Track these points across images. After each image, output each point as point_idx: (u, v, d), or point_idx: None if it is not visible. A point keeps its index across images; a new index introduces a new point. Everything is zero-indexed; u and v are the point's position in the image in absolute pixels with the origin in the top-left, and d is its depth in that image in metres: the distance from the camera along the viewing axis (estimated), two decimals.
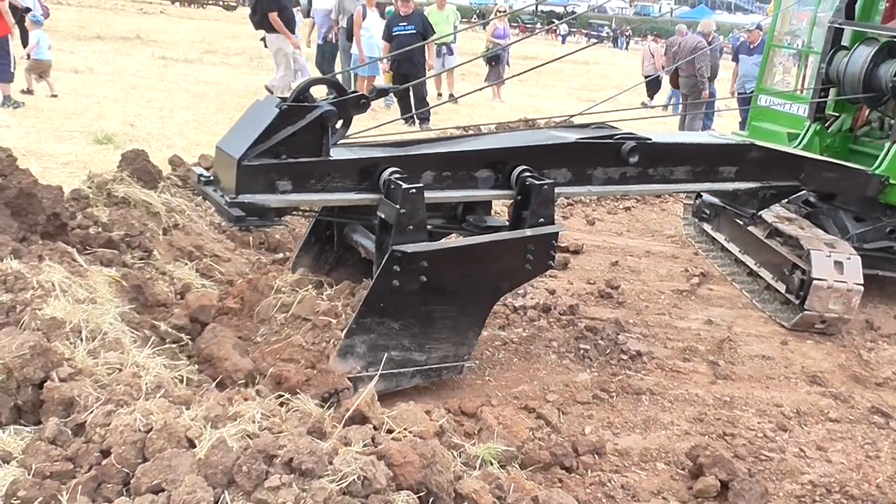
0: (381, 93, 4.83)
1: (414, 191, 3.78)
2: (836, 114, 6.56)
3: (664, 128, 11.93)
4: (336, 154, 3.91)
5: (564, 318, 5.41)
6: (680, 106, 13.60)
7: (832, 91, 6.50)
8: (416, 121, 13.06)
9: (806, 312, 5.49)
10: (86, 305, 3.12)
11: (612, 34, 62.24)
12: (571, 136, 4.61)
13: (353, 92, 4.14)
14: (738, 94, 13.29)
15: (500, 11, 17.02)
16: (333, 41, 14.61)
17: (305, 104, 3.84)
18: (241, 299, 4.31)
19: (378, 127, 4.87)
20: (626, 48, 52.38)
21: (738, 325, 5.76)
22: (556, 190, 4.37)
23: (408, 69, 12.65)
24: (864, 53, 6.10)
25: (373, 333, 3.78)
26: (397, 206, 3.76)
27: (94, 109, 10.31)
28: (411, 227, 3.80)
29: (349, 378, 3.69)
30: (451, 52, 14.87)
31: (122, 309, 3.42)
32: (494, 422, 3.83)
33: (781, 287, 5.88)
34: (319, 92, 4.09)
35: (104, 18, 26.84)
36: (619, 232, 7.88)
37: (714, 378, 4.87)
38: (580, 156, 4.55)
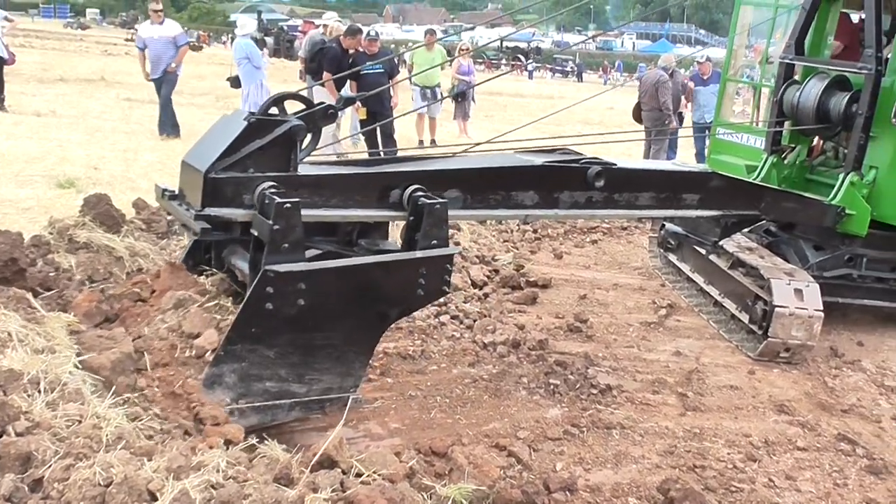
0: (348, 102, 4.71)
1: (289, 206, 3.49)
2: (792, 145, 6.68)
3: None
4: (304, 171, 3.83)
5: (534, 354, 5.42)
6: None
7: (787, 123, 6.64)
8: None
9: (770, 340, 5.55)
10: (44, 355, 3.07)
11: (575, 69, 63.15)
12: (538, 161, 4.61)
13: (321, 104, 4.05)
14: (696, 123, 13.54)
15: (463, 49, 17.18)
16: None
17: (274, 118, 3.78)
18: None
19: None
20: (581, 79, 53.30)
21: (705, 355, 5.80)
22: (525, 213, 4.35)
23: (375, 107, 12.73)
24: (815, 87, 6.24)
25: (244, 362, 3.44)
26: (270, 222, 3.48)
27: (56, 153, 10.22)
28: (286, 245, 3.48)
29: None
30: (435, 97, 14.77)
31: (83, 357, 3.36)
32: (465, 461, 3.81)
33: (745, 317, 5.95)
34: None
35: (68, 61, 26.77)
36: (586, 265, 7.93)
37: (683, 410, 4.89)
38: (547, 179, 4.53)
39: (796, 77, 6.60)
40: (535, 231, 8.78)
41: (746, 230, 7.40)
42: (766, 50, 7.44)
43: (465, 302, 6.20)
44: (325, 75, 12.72)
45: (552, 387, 4.94)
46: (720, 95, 7.55)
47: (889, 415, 5.07)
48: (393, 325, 5.52)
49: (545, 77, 62.28)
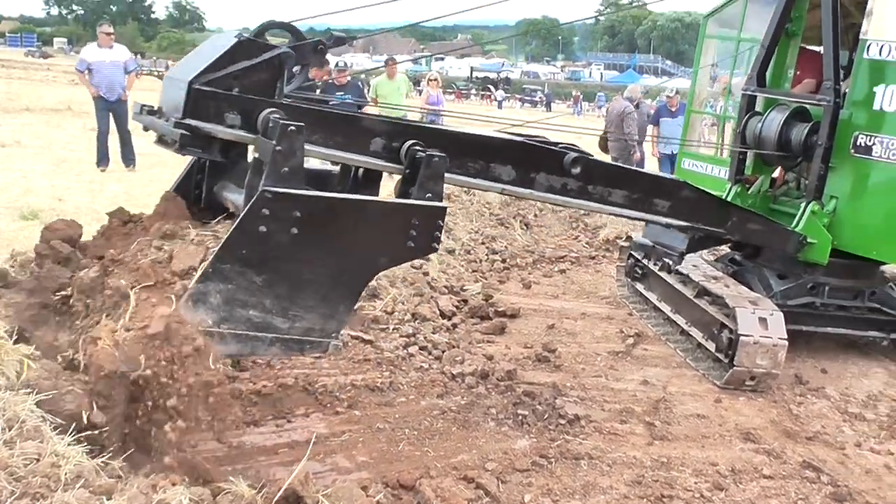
0: (339, 41, 4.63)
1: (293, 129, 3.43)
2: (756, 175, 6.81)
3: None
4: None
5: (502, 384, 5.42)
6: None
7: (749, 154, 6.77)
8: None
9: (735, 369, 5.60)
10: (2, 392, 3.01)
11: (544, 98, 63.86)
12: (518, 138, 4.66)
13: (314, 38, 4.01)
14: (662, 154, 13.73)
15: (431, 80, 17.31)
16: None
17: (265, 42, 3.73)
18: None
19: None
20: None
21: (672, 384, 5.84)
22: (501, 186, 4.30)
23: None
24: (776, 118, 6.38)
25: (231, 284, 3.33)
26: (273, 143, 3.42)
27: (20, 184, 10.10)
28: (287, 169, 3.42)
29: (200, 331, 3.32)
30: None
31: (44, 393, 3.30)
32: (433, 494, 3.79)
33: (712, 346, 6.01)
34: None
35: (34, 90, 26.56)
36: (554, 294, 7.97)
37: (651, 439, 4.90)
38: (525, 157, 4.50)
39: (758, 109, 6.73)
40: (503, 261, 8.82)
41: (713, 259, 7.55)
42: (729, 82, 7.60)
43: (433, 332, 6.20)
44: None
45: (520, 417, 4.94)
46: (685, 126, 7.69)
47: (853, 441, 5.13)
48: (360, 357, 5.56)
49: (514, 106, 62.93)
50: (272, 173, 3.40)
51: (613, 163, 5.45)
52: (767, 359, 5.61)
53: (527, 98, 64.68)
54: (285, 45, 3.82)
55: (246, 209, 3.35)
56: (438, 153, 3.89)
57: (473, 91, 78.63)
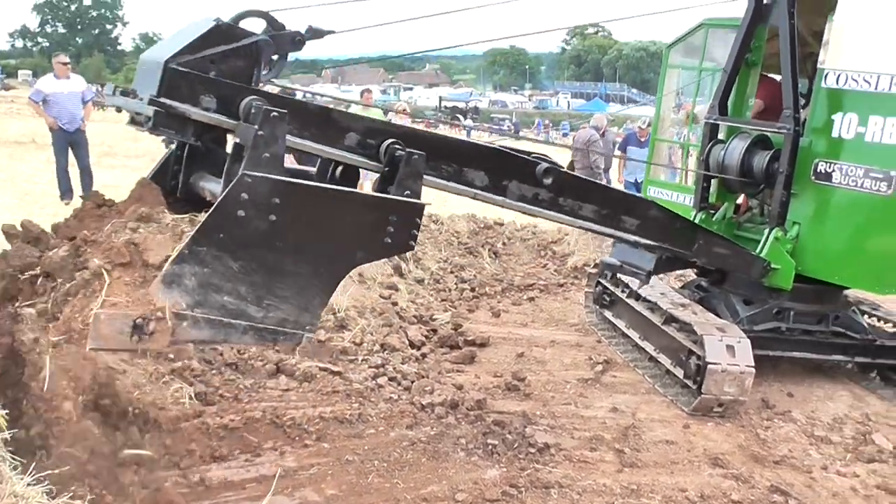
0: (317, 34, 4.59)
1: (276, 115, 3.45)
2: (720, 203, 6.90)
3: None
4: None
5: (472, 414, 5.40)
6: None
7: (714, 182, 6.87)
8: None
9: (703, 396, 5.64)
10: None
11: (513, 127, 64.34)
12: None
13: (293, 32, 4.01)
14: (627, 182, 13.88)
15: (400, 111, 17.38)
16: None
17: (242, 29, 3.73)
18: None
19: None
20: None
21: (641, 410, 5.86)
22: (474, 192, 4.31)
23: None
24: (738, 146, 6.50)
25: (206, 268, 3.30)
26: (255, 128, 3.42)
27: None
28: (268, 155, 3.43)
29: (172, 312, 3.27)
30: None
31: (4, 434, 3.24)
32: None
33: (680, 372, 6.05)
34: None
35: None
36: (524, 323, 7.99)
37: (620, 466, 4.91)
38: (498, 164, 4.52)
39: (721, 136, 6.85)
40: (473, 290, 8.83)
41: (680, 286, 7.63)
42: (692, 110, 7.73)
43: (402, 363, 6.18)
44: None
45: (490, 447, 4.93)
46: (650, 154, 7.79)
47: (819, 465, 5.18)
48: (329, 389, 5.52)
49: (483, 136, 63.25)
50: (252, 158, 3.41)
51: (584, 177, 5.49)
52: (735, 386, 5.65)
53: (495, 127, 65.13)
54: (263, 34, 3.81)
55: (225, 192, 3.34)
56: (418, 152, 3.91)
57: (443, 119, 79.02)
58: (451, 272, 9.29)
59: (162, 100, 3.45)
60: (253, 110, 3.50)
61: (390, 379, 5.83)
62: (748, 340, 5.79)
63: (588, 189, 5.13)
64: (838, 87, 6.14)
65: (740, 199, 7.30)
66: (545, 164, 4.63)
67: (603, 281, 7.78)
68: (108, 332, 3.08)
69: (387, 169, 3.92)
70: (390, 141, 3.96)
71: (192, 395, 5.08)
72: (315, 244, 3.55)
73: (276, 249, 3.44)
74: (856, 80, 6.06)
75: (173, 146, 4.15)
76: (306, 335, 3.64)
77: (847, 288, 6.78)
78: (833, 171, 6.14)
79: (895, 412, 6.26)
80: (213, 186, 3.87)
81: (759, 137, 6.52)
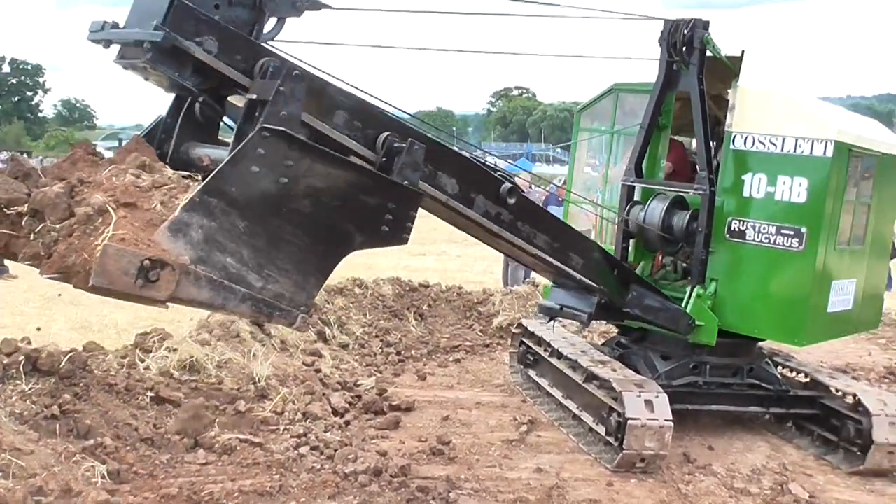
0: (314, 4, 4.55)
1: (298, 73, 3.51)
2: (637, 261, 7.07)
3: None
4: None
5: (396, 481, 5.34)
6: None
7: (631, 241, 7.04)
8: None
9: (625, 452, 5.70)
10: None
11: None
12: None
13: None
14: None
15: None
16: None
17: None
18: None
19: None
20: None
21: (566, 470, 5.88)
22: (445, 198, 4.31)
23: None
24: (658, 207, 6.69)
25: (214, 221, 3.21)
26: (277, 83, 3.43)
27: None
28: (285, 113, 3.45)
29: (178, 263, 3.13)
30: None
31: None
32: None
33: (602, 429, 6.10)
34: None
35: None
36: (449, 385, 7.97)
37: None
38: (468, 174, 4.54)
39: (636, 198, 7.03)
40: (398, 353, 8.80)
41: (601, 343, 7.74)
42: (606, 172, 7.94)
43: (325, 431, 6.09)
44: None
45: None
46: (565, 216, 7.94)
47: None
48: (249, 461, 5.40)
49: None
50: (272, 113, 3.40)
51: (543, 207, 5.59)
52: (655, 441, 5.73)
53: None
54: None
55: (242, 145, 3.28)
56: (419, 143, 3.96)
57: None
58: (377, 336, 9.25)
59: (165, 31, 3.35)
60: (272, 68, 3.53)
61: (312, 448, 5.74)
62: (666, 395, 5.89)
63: (545, 219, 5.29)
64: (746, 149, 6.43)
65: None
66: (509, 185, 4.72)
67: (526, 340, 7.85)
68: (114, 270, 2.89)
69: (384, 159, 3.95)
70: (388, 133, 3.98)
71: (105, 474, 4.91)
72: (320, 217, 3.52)
73: (281, 215, 3.39)
74: (762, 143, 6.37)
75: (162, 114, 4.04)
76: (301, 315, 3.56)
77: (761, 340, 7.00)
78: (746, 228, 6.40)
79: (811, 461, 6.42)
80: (211, 152, 3.82)
81: (676, 198, 6.74)
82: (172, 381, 6.29)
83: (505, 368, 8.42)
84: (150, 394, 6.05)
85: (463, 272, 15.99)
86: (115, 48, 3.66)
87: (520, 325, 8.15)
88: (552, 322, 6.69)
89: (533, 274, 13.80)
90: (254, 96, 3.58)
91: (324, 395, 6.84)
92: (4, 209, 3.38)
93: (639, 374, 6.43)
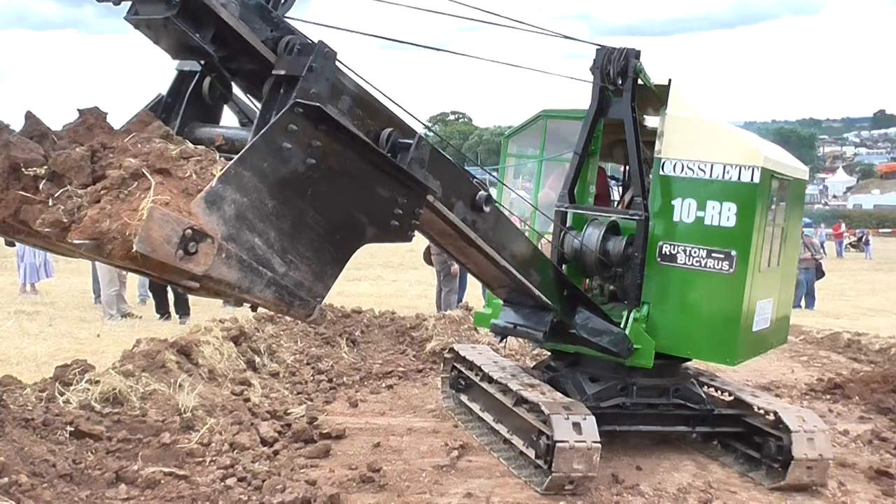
0: None
1: (329, 51, 3.46)
2: None
3: None
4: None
5: None
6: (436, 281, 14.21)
7: (564, 266, 7.11)
8: (176, 315, 12.81)
9: (554, 475, 5.73)
10: None
11: None
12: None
13: None
14: None
15: None
16: None
17: None
18: None
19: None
20: None
21: (496, 494, 5.89)
22: (432, 198, 4.26)
23: None
24: (595, 233, 6.76)
25: (246, 197, 3.12)
26: (309, 59, 3.39)
27: None
28: (315, 91, 3.41)
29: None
30: None
31: None
32: None
33: (532, 452, 6.14)
34: None
35: None
36: (381, 412, 7.93)
37: None
38: (451, 178, 4.53)
39: (568, 224, 7.11)
40: (330, 380, 8.72)
41: (532, 367, 7.80)
42: (535, 197, 8.03)
43: (253, 462, 5.98)
44: None
45: None
46: None
47: None
48: (174, 494, 5.27)
49: None
50: (303, 90, 3.35)
51: (512, 222, 5.64)
52: (583, 462, 5.78)
53: None
54: None
55: (275, 119, 3.22)
56: (426, 140, 3.97)
57: None
58: (308, 364, 9.15)
59: None
60: (299, 45, 3.52)
61: (240, 479, 5.63)
62: (594, 417, 5.96)
63: (513, 231, 5.41)
64: (676, 175, 6.60)
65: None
66: (486, 194, 4.74)
67: (458, 365, 7.87)
68: (158, 237, 2.76)
69: (388, 154, 3.89)
70: (390, 129, 3.95)
71: None
72: (339, 203, 3.49)
73: (305, 198, 3.33)
74: (692, 169, 6.55)
75: (163, 93, 3.94)
76: (318, 306, 3.50)
77: (687, 360, 7.15)
78: (677, 252, 6.56)
79: (735, 478, 6.55)
80: (224, 131, 3.73)
81: (612, 224, 6.86)
82: (93, 415, 6.11)
83: (437, 393, 8.42)
84: (69, 428, 5.85)
85: (398, 297, 15.99)
86: (125, 5, 3.51)
87: (451, 350, 8.16)
88: (504, 341, 6.73)
89: (466, 298, 13.91)
90: (282, 72, 3.54)
91: (252, 424, 6.72)
92: (23, 170, 3.15)
93: (568, 396, 6.50)
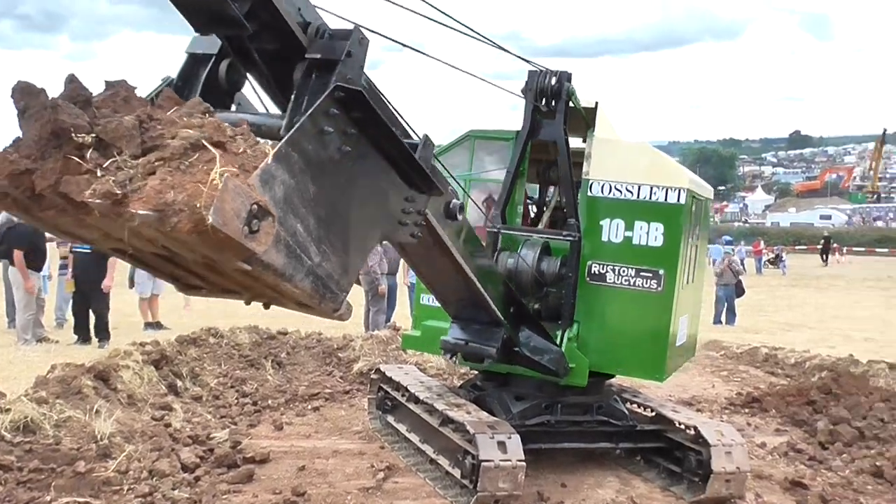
0: None
1: (363, 38, 3.46)
2: None
3: None
4: None
5: None
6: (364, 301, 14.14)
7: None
8: (96, 339, 12.52)
9: (479, 494, 5.73)
10: None
11: None
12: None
13: None
14: (412, 283, 14.19)
15: None
16: None
17: None
18: None
19: None
20: None
21: None
22: (417, 203, 4.16)
23: (86, 287, 12.27)
24: (530, 254, 6.83)
25: (293, 179, 3.04)
26: (347, 44, 3.39)
27: None
28: (350, 76, 3.40)
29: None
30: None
31: None
32: None
33: (457, 472, 6.13)
34: None
35: None
36: (307, 434, 7.83)
37: None
38: (426, 183, 4.34)
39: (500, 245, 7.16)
40: (255, 403, 8.58)
41: (458, 386, 7.81)
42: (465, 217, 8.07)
43: (173, 489, 5.82)
44: (17, 254, 12.14)
45: None
46: None
47: None
48: None
49: None
50: (342, 73, 3.35)
51: (476, 234, 5.67)
52: (508, 481, 5.79)
53: None
54: None
55: (318, 102, 3.17)
56: (431, 141, 3.96)
57: None
58: (232, 387, 8.99)
59: None
60: (328, 30, 3.51)
61: None
62: (518, 436, 5.99)
63: (479, 244, 5.55)
64: (603, 196, 6.73)
65: None
66: (459, 203, 4.76)
67: (385, 386, 7.83)
68: (230, 209, 2.62)
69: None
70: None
71: None
72: (364, 196, 3.48)
73: (338, 187, 3.28)
74: (619, 190, 6.69)
75: (172, 76, 3.77)
76: (345, 300, 3.41)
77: (611, 377, 7.26)
78: (606, 272, 6.69)
79: (657, 493, 6.67)
80: (248, 116, 3.58)
81: (545, 244, 6.93)
82: (3, 445, 5.88)
83: (364, 415, 8.36)
84: None
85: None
86: None
87: (378, 371, 8.12)
88: (454, 357, 6.74)
89: (394, 317, 13.89)
90: (317, 56, 3.50)
91: (173, 450, 6.56)
92: (73, 136, 2.90)
93: (494, 415, 6.52)
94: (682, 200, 6.53)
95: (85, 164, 2.85)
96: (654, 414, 7.38)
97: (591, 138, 6.86)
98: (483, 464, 5.72)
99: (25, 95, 2.99)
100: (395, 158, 3.67)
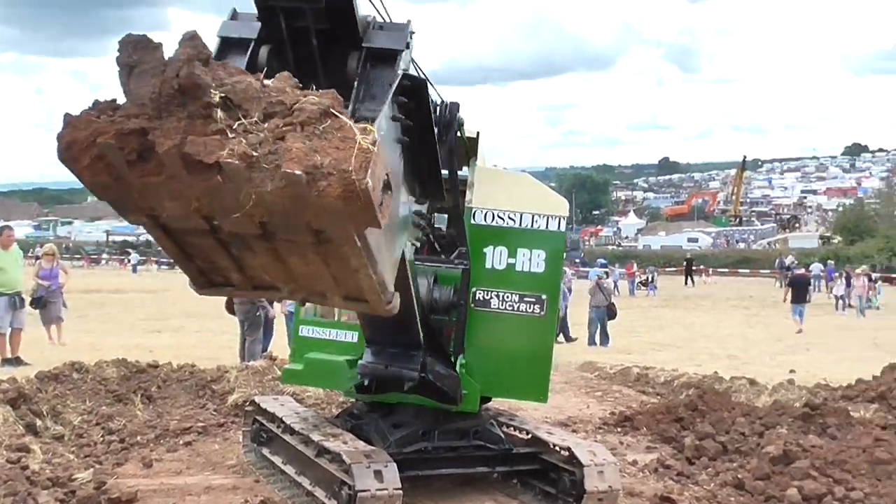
0: None
1: (413, 31, 3.52)
2: None
3: None
4: None
5: None
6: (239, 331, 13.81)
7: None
8: None
9: None
10: None
11: None
12: None
13: None
14: (290, 312, 13.97)
15: (47, 254, 16.19)
16: None
17: None
18: None
19: None
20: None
21: None
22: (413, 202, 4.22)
23: None
24: (425, 283, 6.77)
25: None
26: (406, 34, 3.40)
27: None
28: (404, 68, 3.45)
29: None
30: (23, 305, 13.93)
31: None
32: None
33: (334, 503, 6.04)
34: None
35: None
36: (178, 471, 7.54)
37: None
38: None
39: None
40: (122, 441, 8.20)
41: (336, 414, 7.72)
42: None
43: None
44: None
45: None
46: None
47: None
48: None
49: (151, 270, 60.85)
50: (405, 65, 3.41)
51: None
52: None
53: (163, 260, 62.69)
54: None
55: (392, 89, 3.26)
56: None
57: (106, 255, 74.70)
58: (98, 424, 8.56)
59: None
60: (378, 22, 3.53)
61: None
62: (395, 464, 5.97)
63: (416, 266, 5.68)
64: (487, 224, 6.89)
65: None
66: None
67: (259, 417, 7.65)
68: (378, 173, 2.59)
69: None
70: None
71: None
72: (400, 195, 3.45)
73: (394, 178, 3.14)
74: (502, 218, 6.85)
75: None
76: (395, 294, 3.39)
77: (487, 402, 7.34)
78: (491, 298, 6.83)
79: None
80: None
81: (438, 273, 6.96)
82: None
83: (239, 448, 8.13)
84: None
85: (200, 348, 15.35)
86: None
87: (252, 402, 7.93)
88: (372, 384, 6.67)
89: (271, 347, 13.62)
90: (377, 46, 3.47)
91: (30, 494, 6.16)
92: (205, 94, 2.72)
93: (371, 444, 6.47)
94: (562, 228, 6.80)
95: (215, 124, 2.71)
96: (529, 436, 7.50)
97: (474, 167, 7.00)
98: (360, 494, 5.65)
99: (138, 50, 2.78)
100: (422, 153, 3.75)
